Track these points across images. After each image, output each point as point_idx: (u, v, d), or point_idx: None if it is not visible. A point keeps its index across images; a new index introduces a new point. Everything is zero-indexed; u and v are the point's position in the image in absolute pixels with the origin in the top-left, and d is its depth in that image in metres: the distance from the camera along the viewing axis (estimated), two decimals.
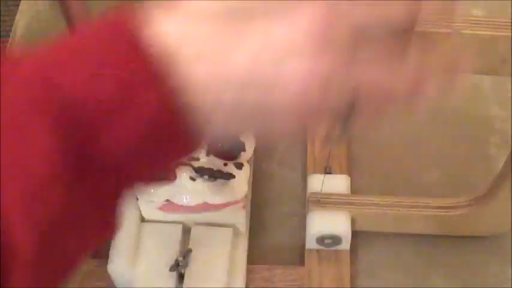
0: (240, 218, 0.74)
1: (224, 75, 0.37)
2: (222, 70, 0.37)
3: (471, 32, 0.54)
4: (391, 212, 0.75)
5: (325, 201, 0.75)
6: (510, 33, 0.53)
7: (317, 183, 0.78)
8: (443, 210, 0.74)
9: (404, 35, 0.39)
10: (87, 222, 0.39)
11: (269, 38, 0.37)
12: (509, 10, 0.95)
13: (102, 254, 0.77)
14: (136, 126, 0.37)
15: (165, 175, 0.46)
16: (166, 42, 0.37)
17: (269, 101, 0.38)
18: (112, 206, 0.41)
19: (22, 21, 0.97)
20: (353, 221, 0.75)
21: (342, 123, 0.41)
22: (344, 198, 0.76)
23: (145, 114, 0.37)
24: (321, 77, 0.37)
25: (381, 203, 0.75)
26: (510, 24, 0.54)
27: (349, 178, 0.79)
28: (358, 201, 0.75)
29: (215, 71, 0.37)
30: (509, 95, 0.89)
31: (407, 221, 0.76)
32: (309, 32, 0.37)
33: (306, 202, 0.77)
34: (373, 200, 0.75)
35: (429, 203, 0.74)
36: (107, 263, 0.72)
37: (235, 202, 0.71)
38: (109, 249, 0.73)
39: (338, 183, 0.78)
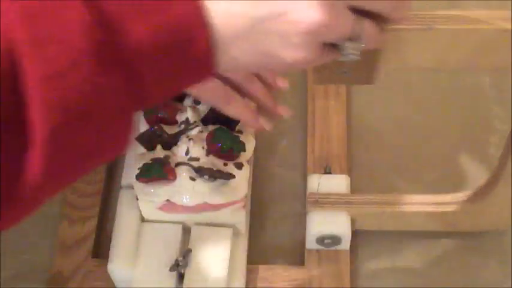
0: (240, 218, 0.74)
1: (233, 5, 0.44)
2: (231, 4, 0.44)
3: (445, 27, 0.54)
4: (389, 210, 0.75)
5: (323, 201, 0.75)
6: (483, 27, 0.53)
7: (317, 183, 0.78)
8: (441, 206, 0.73)
9: None
10: (103, 121, 0.42)
11: None
12: (509, 10, 0.95)
13: (102, 254, 0.77)
14: (161, 28, 0.41)
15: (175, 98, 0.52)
16: None
17: (274, 31, 0.45)
18: (127, 115, 0.43)
19: None
20: (352, 221, 0.75)
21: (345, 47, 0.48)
22: (342, 197, 0.76)
23: (172, 19, 0.41)
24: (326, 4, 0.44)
25: (379, 201, 0.75)
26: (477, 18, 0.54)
27: (349, 178, 0.79)
28: (356, 200, 0.75)
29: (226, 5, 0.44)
30: (509, 95, 0.89)
31: (406, 218, 0.75)
32: None
33: (305, 202, 0.77)
34: (371, 199, 0.75)
35: (427, 199, 0.74)
36: (107, 263, 0.72)
37: (235, 202, 0.71)
38: (109, 249, 0.73)
39: (338, 183, 0.78)
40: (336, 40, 0.48)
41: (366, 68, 0.57)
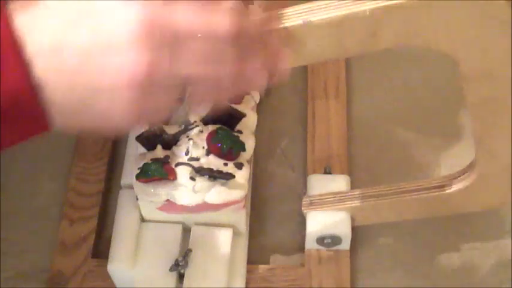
0: (240, 218, 0.74)
1: (61, 60, 0.43)
2: (58, 57, 0.43)
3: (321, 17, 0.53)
4: (386, 201, 0.74)
5: (317, 202, 0.75)
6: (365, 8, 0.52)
7: (317, 183, 0.78)
8: (436, 190, 0.72)
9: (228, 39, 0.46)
10: None
11: (99, 33, 0.43)
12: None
13: (102, 254, 0.77)
14: None
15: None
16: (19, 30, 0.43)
17: (100, 85, 0.44)
18: None
19: None
20: (352, 219, 0.75)
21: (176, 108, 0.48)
22: (335, 195, 0.75)
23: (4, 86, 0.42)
24: (144, 69, 0.43)
25: (374, 193, 0.74)
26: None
27: (349, 178, 0.79)
28: (349, 197, 0.75)
29: (53, 58, 0.43)
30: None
31: (402, 207, 0.75)
32: (134, 29, 0.43)
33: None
34: (366, 192, 0.74)
35: (421, 185, 0.73)
36: (106, 263, 0.72)
37: (235, 202, 0.71)
38: (109, 249, 0.73)
39: (338, 183, 0.78)
40: None
41: None
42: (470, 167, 0.69)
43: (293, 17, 0.52)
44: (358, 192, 0.75)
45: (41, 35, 0.43)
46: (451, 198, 0.71)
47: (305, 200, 0.76)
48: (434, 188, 0.72)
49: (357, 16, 0.52)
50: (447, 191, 0.71)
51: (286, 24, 0.52)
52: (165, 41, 0.44)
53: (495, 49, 0.54)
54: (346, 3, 0.52)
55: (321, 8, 0.53)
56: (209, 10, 0.46)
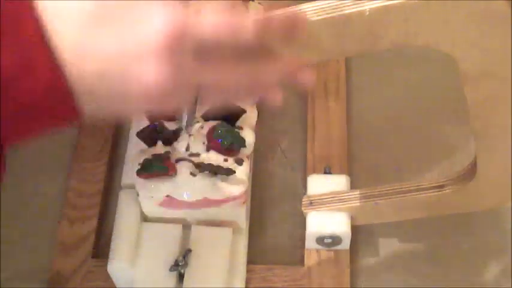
0: (240, 214, 0.74)
1: (82, 64, 0.44)
2: (80, 61, 0.44)
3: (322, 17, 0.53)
4: (385, 202, 0.74)
5: (317, 202, 0.75)
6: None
7: (317, 183, 0.78)
8: (436, 190, 0.72)
9: (250, 45, 0.46)
10: None
11: (123, 41, 0.44)
12: None
13: (102, 254, 0.77)
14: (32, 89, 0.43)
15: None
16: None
17: (119, 90, 0.45)
18: None
19: None
20: (352, 218, 0.75)
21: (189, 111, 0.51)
22: (335, 195, 0.75)
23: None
24: (167, 77, 0.44)
25: (373, 193, 0.74)
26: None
27: (349, 178, 0.79)
28: (349, 197, 0.75)
29: (76, 62, 0.43)
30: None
31: (402, 207, 0.74)
32: (158, 39, 0.44)
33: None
34: (366, 193, 0.74)
35: (421, 185, 0.73)
36: (106, 263, 0.72)
37: (236, 198, 0.71)
38: (109, 249, 0.73)
39: (338, 183, 0.78)
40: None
41: None
42: (470, 167, 0.69)
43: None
44: (358, 192, 0.75)
45: (65, 28, 0.43)
46: (451, 198, 0.71)
47: (305, 200, 0.76)
48: (434, 188, 0.72)
49: (357, 16, 0.52)
50: (446, 191, 0.71)
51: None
52: (190, 50, 0.45)
53: (494, 48, 0.55)
54: (346, 3, 0.53)
55: (321, 8, 0.53)
56: (233, 18, 0.46)
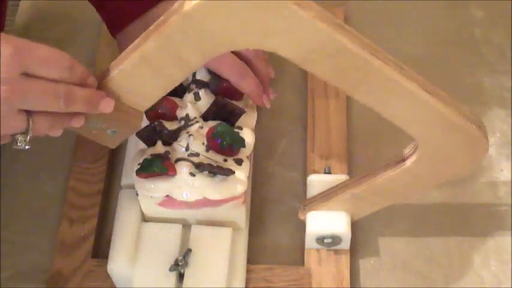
0: (239, 214, 0.74)
1: None
2: None
3: None
4: (366, 188, 0.72)
5: (309, 205, 0.75)
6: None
7: (317, 183, 0.78)
8: (399, 165, 0.69)
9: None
10: None
11: None
12: (509, 10, 0.95)
13: (102, 254, 0.77)
14: None
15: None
16: None
17: None
18: None
19: (22, 20, 0.97)
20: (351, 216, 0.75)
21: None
22: (324, 194, 0.75)
23: None
24: None
25: (353, 182, 0.73)
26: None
27: (349, 178, 0.79)
28: (335, 192, 0.74)
29: None
30: (509, 94, 0.89)
31: (381, 190, 0.73)
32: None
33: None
34: (347, 184, 0.74)
35: (388, 163, 0.71)
36: (106, 263, 0.72)
37: (235, 198, 0.71)
38: (109, 249, 0.73)
39: (338, 183, 0.78)
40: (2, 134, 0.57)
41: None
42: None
43: None
44: (341, 186, 0.74)
45: None
46: (413, 171, 0.70)
47: (300, 207, 0.76)
48: (397, 163, 0.71)
49: None
50: (407, 165, 0.70)
51: None
52: (13, 80, 0.54)
53: None
54: None
55: None
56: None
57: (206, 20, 0.55)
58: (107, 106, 0.61)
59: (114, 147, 0.69)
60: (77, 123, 0.61)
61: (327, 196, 0.75)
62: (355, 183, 0.73)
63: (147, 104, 0.64)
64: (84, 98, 0.59)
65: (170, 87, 0.62)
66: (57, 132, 0.60)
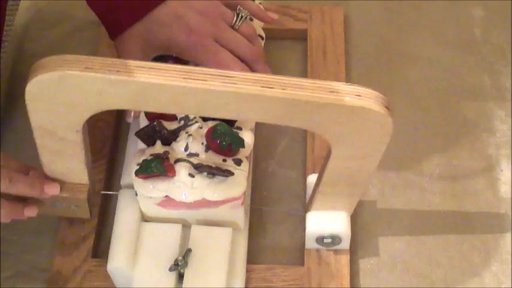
0: (238, 215, 0.74)
1: None
2: None
3: None
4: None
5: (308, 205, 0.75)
6: None
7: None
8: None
9: None
10: None
11: None
12: (509, 10, 0.96)
13: (102, 254, 0.77)
14: None
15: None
16: None
17: None
18: None
19: (22, 20, 0.97)
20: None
21: None
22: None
23: None
24: None
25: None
26: None
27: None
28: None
29: None
30: (509, 94, 0.89)
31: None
32: None
33: (305, 202, 0.77)
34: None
35: None
36: (106, 263, 0.72)
37: (234, 199, 0.71)
38: (109, 249, 0.73)
39: None
40: None
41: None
42: None
43: None
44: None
45: None
46: (339, 165, 0.68)
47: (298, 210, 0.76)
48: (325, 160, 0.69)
49: None
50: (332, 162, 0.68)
51: None
52: None
53: None
54: None
55: None
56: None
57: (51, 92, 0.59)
58: (52, 189, 0.69)
59: (88, 217, 0.74)
60: (31, 213, 0.69)
61: (310, 199, 0.75)
62: (316, 182, 0.73)
63: (83, 176, 0.70)
64: (26, 182, 0.67)
65: (84, 153, 0.67)
66: (7, 221, 0.68)
